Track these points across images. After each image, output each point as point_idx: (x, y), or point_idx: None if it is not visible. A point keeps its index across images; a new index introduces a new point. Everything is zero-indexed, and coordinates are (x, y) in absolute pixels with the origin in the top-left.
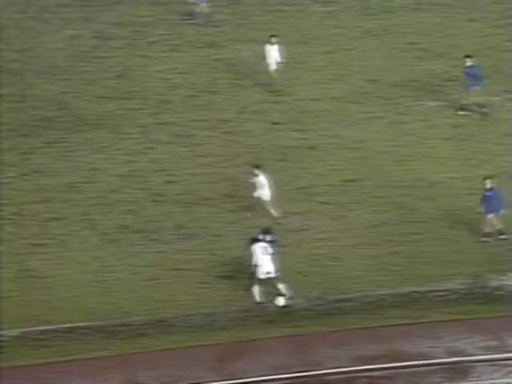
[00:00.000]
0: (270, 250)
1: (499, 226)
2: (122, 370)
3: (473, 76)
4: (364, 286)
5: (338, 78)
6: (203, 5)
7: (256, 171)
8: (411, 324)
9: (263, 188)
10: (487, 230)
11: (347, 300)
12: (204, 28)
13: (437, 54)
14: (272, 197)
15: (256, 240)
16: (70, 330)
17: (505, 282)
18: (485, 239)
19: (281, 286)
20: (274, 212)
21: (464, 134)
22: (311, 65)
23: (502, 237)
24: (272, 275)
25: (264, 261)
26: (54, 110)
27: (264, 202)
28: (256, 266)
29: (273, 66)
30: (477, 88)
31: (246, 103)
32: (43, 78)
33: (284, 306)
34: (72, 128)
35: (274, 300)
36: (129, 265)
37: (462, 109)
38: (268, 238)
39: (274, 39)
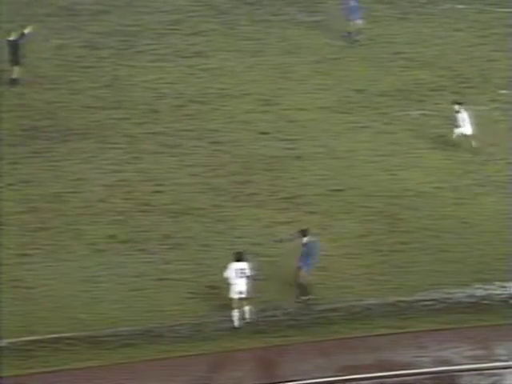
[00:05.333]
0: (247, 272)
1: None
2: (109, 380)
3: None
4: (351, 296)
5: (324, 88)
6: (358, 22)
7: (457, 107)
8: (398, 333)
9: (464, 123)
10: None
11: (334, 310)
12: (191, 37)
13: (423, 64)
14: (472, 131)
15: (237, 259)
16: (57, 341)
17: (491, 292)
18: None
19: (246, 309)
20: (474, 144)
21: (450, 144)
22: (298, 74)
23: None
24: (243, 295)
25: (238, 282)
26: (41, 119)
27: (466, 136)
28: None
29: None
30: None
31: (233, 113)
32: (30, 87)
33: (237, 328)
34: (59, 138)
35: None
36: (116, 275)
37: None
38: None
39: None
